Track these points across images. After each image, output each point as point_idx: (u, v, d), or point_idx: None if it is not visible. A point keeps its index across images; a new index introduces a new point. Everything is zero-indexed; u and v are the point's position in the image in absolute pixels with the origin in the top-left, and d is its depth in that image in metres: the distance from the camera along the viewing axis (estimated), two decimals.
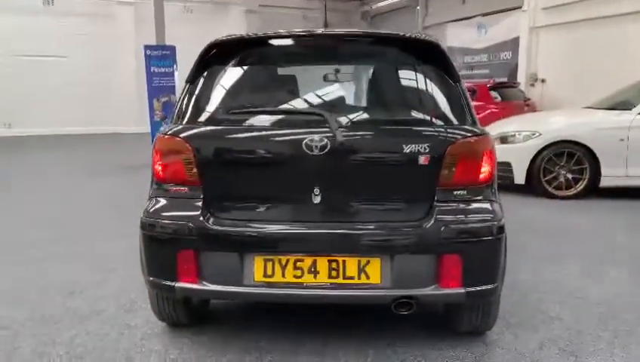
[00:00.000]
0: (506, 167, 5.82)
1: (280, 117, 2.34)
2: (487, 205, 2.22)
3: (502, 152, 5.21)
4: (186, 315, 2.55)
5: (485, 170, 2.24)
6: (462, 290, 2.14)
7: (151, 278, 2.27)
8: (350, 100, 2.54)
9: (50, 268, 3.58)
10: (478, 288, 2.17)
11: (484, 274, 2.20)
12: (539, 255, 3.89)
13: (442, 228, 2.10)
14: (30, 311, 2.86)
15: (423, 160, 2.16)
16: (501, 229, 2.20)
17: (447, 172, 2.18)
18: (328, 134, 2.14)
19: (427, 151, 2.16)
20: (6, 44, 14.35)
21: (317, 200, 2.17)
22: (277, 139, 2.24)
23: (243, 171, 2.25)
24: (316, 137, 2.13)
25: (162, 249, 2.22)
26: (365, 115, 2.38)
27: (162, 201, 2.27)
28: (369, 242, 2.14)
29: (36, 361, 2.35)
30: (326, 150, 2.13)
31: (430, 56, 2.35)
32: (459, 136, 2.21)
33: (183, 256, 2.18)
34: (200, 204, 2.21)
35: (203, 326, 2.64)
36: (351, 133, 2.19)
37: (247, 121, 2.31)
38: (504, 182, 5.56)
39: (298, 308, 2.76)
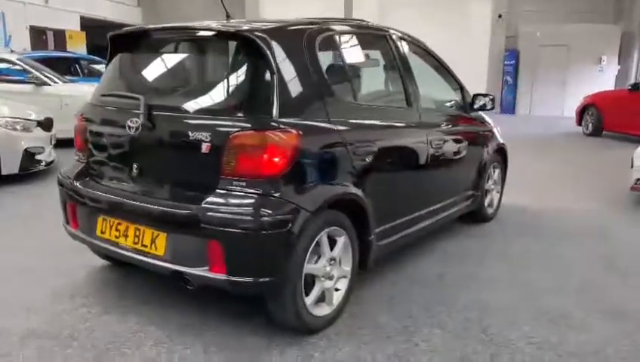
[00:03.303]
0: None
1: (116, 99, 2.71)
2: (261, 199, 2.19)
3: None
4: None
5: (272, 163, 2.20)
6: (224, 277, 2.22)
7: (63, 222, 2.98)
8: (170, 86, 2.70)
9: None
10: (241, 279, 2.21)
11: (248, 266, 2.23)
12: None
13: (207, 214, 2.20)
14: None
15: (205, 148, 2.27)
16: (273, 225, 2.17)
17: (228, 162, 2.23)
18: (141, 117, 2.43)
19: (209, 140, 2.26)
20: None
21: (134, 174, 2.53)
22: (112, 118, 2.66)
23: (99, 144, 2.74)
24: (134, 119, 2.45)
25: (61, 200, 2.90)
26: (174, 102, 2.54)
27: (71, 164, 2.93)
28: (156, 217, 2.39)
29: None
30: (138, 131, 2.45)
31: (248, 49, 2.38)
32: (240, 129, 2.23)
33: (69, 207, 2.82)
34: (82, 168, 2.80)
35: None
36: (155, 118, 2.43)
37: (104, 102, 2.77)
38: None
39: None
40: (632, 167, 5.12)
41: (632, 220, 4.68)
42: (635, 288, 3.12)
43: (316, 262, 2.47)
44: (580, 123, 11.46)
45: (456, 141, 3.74)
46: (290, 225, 2.21)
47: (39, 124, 5.70)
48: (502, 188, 4.67)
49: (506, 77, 16.83)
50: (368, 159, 2.71)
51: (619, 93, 11.13)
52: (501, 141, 4.45)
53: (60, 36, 14.69)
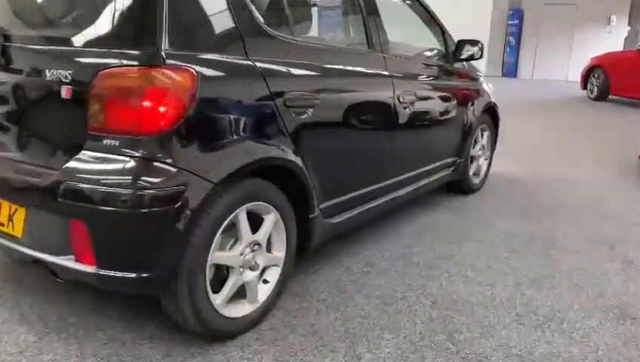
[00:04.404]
0: None
1: None
2: (140, 165, 1.58)
3: None
4: None
5: (155, 115, 1.58)
6: (93, 271, 1.63)
7: None
8: (32, 9, 2.02)
9: None
10: (114, 273, 1.62)
11: (124, 256, 1.63)
12: None
13: (66, 184, 1.60)
14: None
15: (66, 92, 1.64)
16: (158, 201, 1.56)
17: (95, 112, 1.61)
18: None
19: (70, 80, 1.64)
20: None
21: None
22: None
23: None
24: None
25: None
26: (34, 30, 1.90)
27: None
28: (13, 186, 1.78)
29: None
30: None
31: None
32: (108, 65, 1.59)
33: None
34: None
35: None
36: (11, 51, 1.80)
37: None
38: None
39: None
40: None
41: None
42: None
43: (231, 248, 1.88)
44: (584, 87, 10.75)
45: (435, 97, 3.09)
46: (182, 200, 1.61)
47: None
48: (491, 154, 4.05)
49: (509, 38, 15.95)
50: (309, 115, 2.07)
51: (628, 54, 10.36)
52: (492, 99, 3.80)
53: None
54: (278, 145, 1.95)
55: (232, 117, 1.77)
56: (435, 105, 3.09)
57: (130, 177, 1.57)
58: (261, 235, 1.95)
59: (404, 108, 2.69)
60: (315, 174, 2.15)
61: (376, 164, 2.63)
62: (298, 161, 2.03)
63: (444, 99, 3.18)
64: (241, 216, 1.85)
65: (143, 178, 1.57)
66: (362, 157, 2.51)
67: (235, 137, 1.78)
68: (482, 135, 3.81)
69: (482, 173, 3.92)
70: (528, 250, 2.84)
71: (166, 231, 1.61)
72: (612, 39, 14.53)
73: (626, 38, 14.73)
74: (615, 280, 2.52)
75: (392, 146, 2.68)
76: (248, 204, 1.86)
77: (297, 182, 2.08)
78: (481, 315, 2.15)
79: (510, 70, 16.05)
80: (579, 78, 11.01)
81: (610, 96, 10.21)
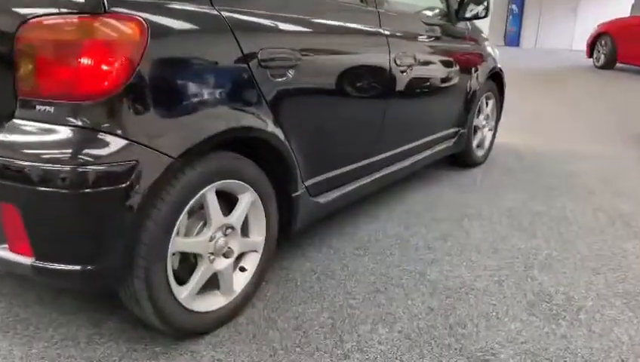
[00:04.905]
0: None
1: None
2: (80, 136, 1.30)
3: None
4: None
5: (97, 75, 1.30)
6: (29, 262, 1.37)
7: None
8: None
9: None
10: (53, 266, 1.36)
11: (63, 247, 1.37)
12: None
13: None
14: None
15: None
16: (102, 179, 1.30)
17: (24, 72, 1.33)
18: None
19: None
20: None
21: None
22: None
23: None
24: None
25: None
26: None
27: None
28: None
29: None
30: None
31: None
32: (36, 14, 1.30)
33: None
34: None
35: None
36: None
37: None
38: None
39: None
40: None
41: None
42: None
43: (198, 233, 1.63)
44: (590, 55, 10.39)
45: (436, 60, 2.79)
46: (132, 178, 1.34)
47: None
48: (496, 125, 3.76)
49: (512, 6, 15.45)
50: (289, 77, 1.78)
51: (637, 20, 9.96)
52: (497, 64, 3.50)
53: None
54: (254, 113, 1.67)
55: (194, 78, 1.48)
56: (435, 70, 2.79)
57: (69, 151, 1.30)
58: (234, 218, 1.69)
59: (401, 71, 2.40)
60: (299, 147, 1.88)
61: (370, 134, 2.35)
62: (278, 131, 1.76)
63: (445, 63, 2.88)
64: (210, 197, 1.58)
65: (84, 152, 1.30)
66: (353, 127, 2.23)
67: (199, 103, 1.49)
68: (487, 103, 3.52)
69: (486, 144, 3.64)
70: (537, 229, 2.59)
71: (114, 215, 1.35)
72: (619, 5, 14.04)
73: (633, 5, 14.23)
74: (635, 262, 2.27)
75: (387, 115, 2.40)
76: (218, 183, 1.59)
77: (278, 156, 1.81)
78: (487, 305, 1.90)
79: (513, 39, 15.61)
80: (584, 47, 10.64)
81: (617, 65, 9.86)
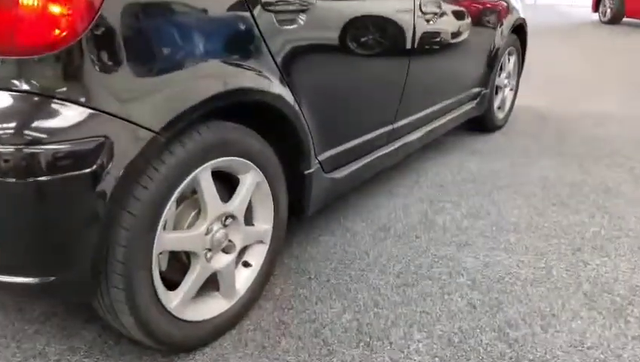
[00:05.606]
0: None
1: None
2: (29, 104, 0.96)
3: None
4: None
5: (42, 20, 0.94)
6: None
7: None
8: None
9: None
10: (2, 278, 1.03)
11: (14, 254, 1.03)
12: None
13: None
14: None
15: None
16: (62, 163, 0.96)
17: None
18: None
19: None
20: None
21: None
22: None
23: None
24: None
25: None
26: None
27: None
28: None
29: None
30: None
31: None
32: None
33: None
34: None
35: None
36: None
37: None
38: None
39: None
40: None
41: None
42: None
43: (191, 225, 1.29)
44: (596, 9, 9.94)
45: (462, 10, 2.42)
46: (100, 161, 1.00)
47: None
48: (517, 84, 3.41)
49: None
50: (301, 25, 1.42)
51: None
52: (521, 15, 3.12)
53: None
54: (257, 71, 1.31)
55: (178, 25, 1.12)
56: (461, 22, 2.41)
57: (12, 125, 0.95)
58: (235, 204, 1.36)
59: (427, 21, 2.03)
60: (312, 113, 1.53)
61: (392, 96, 1.99)
62: (286, 93, 1.41)
63: (471, 13, 2.50)
64: (204, 179, 1.25)
65: (33, 126, 0.95)
66: (375, 86, 1.87)
67: (185, 58, 1.14)
68: (509, 59, 3.16)
69: (507, 106, 3.30)
70: (578, 202, 2.28)
71: (79, 210, 1.01)
72: None
73: None
74: None
75: (410, 72, 2.04)
76: (214, 161, 1.25)
77: (287, 125, 1.47)
78: (538, 299, 1.60)
79: None
80: (587, 1, 10.18)
81: (625, 19, 9.44)
